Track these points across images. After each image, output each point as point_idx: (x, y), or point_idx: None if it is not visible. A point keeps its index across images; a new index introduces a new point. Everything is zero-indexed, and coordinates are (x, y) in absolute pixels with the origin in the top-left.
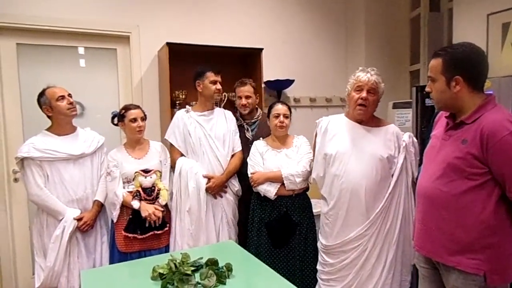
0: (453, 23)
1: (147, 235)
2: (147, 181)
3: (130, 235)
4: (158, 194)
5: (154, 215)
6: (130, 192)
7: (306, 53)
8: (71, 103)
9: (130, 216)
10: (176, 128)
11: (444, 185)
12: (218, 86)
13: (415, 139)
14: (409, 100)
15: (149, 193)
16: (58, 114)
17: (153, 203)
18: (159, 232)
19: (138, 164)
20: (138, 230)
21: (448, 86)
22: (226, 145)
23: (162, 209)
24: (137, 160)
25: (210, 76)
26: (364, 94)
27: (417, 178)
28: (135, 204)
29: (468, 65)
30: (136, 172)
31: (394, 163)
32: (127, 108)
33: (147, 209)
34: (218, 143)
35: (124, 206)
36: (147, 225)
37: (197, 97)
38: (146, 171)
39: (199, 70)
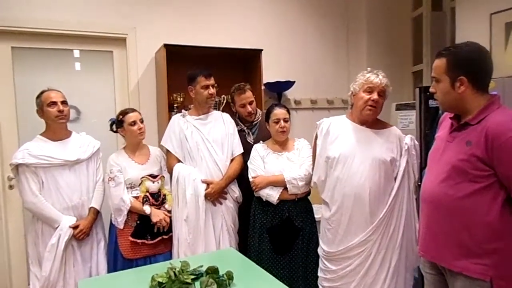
0: (455, 22)
1: (156, 240)
2: (154, 186)
3: (139, 240)
4: (163, 199)
5: (164, 220)
6: (136, 197)
7: (306, 54)
8: (61, 111)
9: (138, 222)
10: (172, 133)
11: (448, 188)
12: (211, 90)
13: (416, 142)
14: (413, 101)
15: (156, 198)
16: (47, 119)
17: (159, 208)
18: (166, 237)
19: (142, 169)
20: (148, 235)
21: (453, 87)
22: (225, 149)
23: (170, 215)
24: (141, 165)
25: (201, 81)
26: (375, 96)
27: (420, 181)
28: (147, 209)
29: (472, 65)
30: (143, 177)
31: (396, 166)
32: (124, 112)
33: (158, 215)
34: (217, 147)
35: (130, 212)
36: (155, 230)
37: None
38: (153, 176)
39: (189, 75)
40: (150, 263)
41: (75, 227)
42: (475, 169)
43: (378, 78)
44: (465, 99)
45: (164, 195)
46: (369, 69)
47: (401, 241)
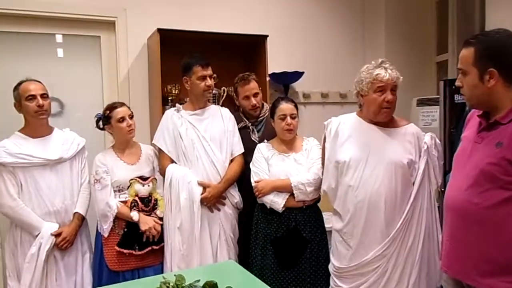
0: (485, 6)
1: (145, 250)
2: (144, 190)
3: (126, 251)
4: (155, 204)
5: (154, 229)
6: (124, 202)
7: (317, 42)
8: (40, 106)
9: (125, 230)
10: (165, 130)
11: (475, 196)
12: (208, 82)
13: (437, 141)
14: (436, 96)
15: (147, 204)
16: (25, 114)
17: (150, 215)
18: (156, 247)
19: (132, 170)
20: (136, 245)
21: (481, 80)
22: (224, 148)
23: (161, 222)
24: (130, 166)
25: (197, 71)
26: (389, 96)
27: (444, 187)
28: (135, 216)
29: (504, 56)
30: (132, 179)
31: (415, 169)
32: (111, 107)
33: (147, 222)
34: (214, 146)
35: (117, 218)
36: (144, 239)
37: None
38: (143, 178)
39: (184, 64)
40: (139, 276)
41: (57, 235)
42: (506, 174)
43: (387, 73)
44: (495, 94)
45: (156, 199)
46: (373, 62)
47: (421, 254)
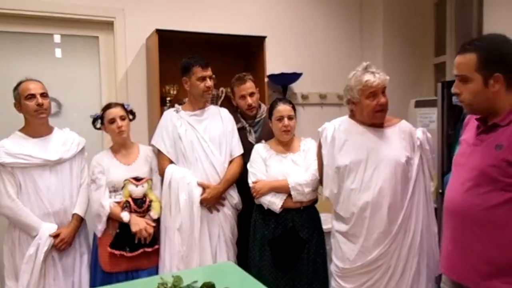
0: (483, 8)
1: (136, 252)
2: (138, 191)
3: (117, 252)
4: (149, 206)
5: (146, 231)
6: (118, 202)
7: (316, 43)
8: (40, 105)
9: (117, 231)
10: (164, 131)
11: (475, 198)
12: (208, 83)
13: (429, 135)
14: (434, 97)
15: (140, 205)
16: (25, 113)
17: (144, 216)
18: (149, 249)
19: (127, 170)
20: (127, 246)
21: (486, 86)
22: (223, 150)
23: (154, 224)
24: (126, 166)
25: (197, 71)
26: (382, 99)
27: (442, 189)
28: (125, 216)
29: (508, 60)
30: (125, 180)
31: (411, 165)
32: (105, 108)
33: (138, 223)
34: (213, 147)
35: (111, 218)
36: (136, 241)
37: None
38: (137, 179)
39: (183, 65)
40: (132, 279)
41: (55, 236)
42: (506, 176)
43: (376, 77)
44: (497, 99)
45: (150, 201)
46: (359, 68)
47: (420, 246)
